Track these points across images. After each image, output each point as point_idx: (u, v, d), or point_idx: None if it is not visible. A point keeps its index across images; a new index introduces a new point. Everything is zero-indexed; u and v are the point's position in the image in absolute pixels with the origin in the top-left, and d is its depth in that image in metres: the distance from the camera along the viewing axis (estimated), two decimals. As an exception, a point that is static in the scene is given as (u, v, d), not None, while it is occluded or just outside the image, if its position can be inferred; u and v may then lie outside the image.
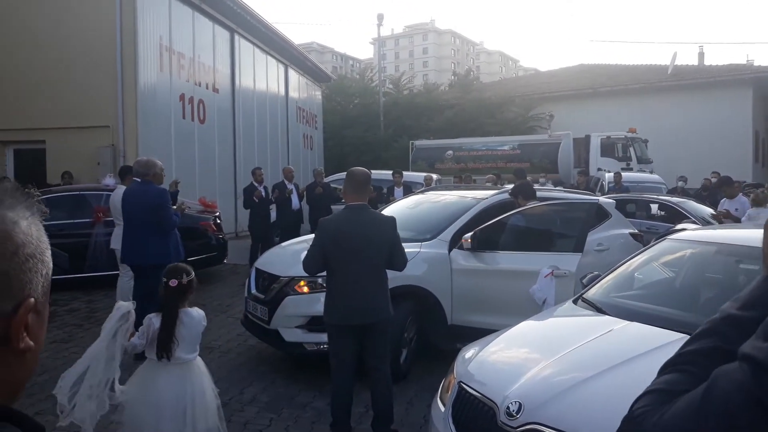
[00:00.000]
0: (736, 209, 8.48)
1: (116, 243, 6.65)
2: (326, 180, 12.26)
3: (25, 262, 0.73)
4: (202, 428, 3.27)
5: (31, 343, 0.74)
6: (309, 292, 5.16)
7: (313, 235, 4.34)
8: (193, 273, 3.52)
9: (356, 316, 3.91)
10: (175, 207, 6.15)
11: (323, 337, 4.58)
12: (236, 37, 15.90)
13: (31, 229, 0.75)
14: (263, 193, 10.24)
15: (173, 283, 3.39)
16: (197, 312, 3.49)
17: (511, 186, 6.87)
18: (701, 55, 30.72)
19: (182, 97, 13.18)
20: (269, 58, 18.34)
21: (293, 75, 20.57)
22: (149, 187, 5.82)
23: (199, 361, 3.50)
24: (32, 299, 0.73)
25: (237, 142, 15.84)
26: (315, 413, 4.61)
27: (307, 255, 4.01)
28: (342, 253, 3.90)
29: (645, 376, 2.74)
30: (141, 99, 11.60)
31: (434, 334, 5.55)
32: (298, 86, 21.38)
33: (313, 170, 13.00)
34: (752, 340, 0.81)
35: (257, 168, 10.76)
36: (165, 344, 3.26)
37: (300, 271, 4.47)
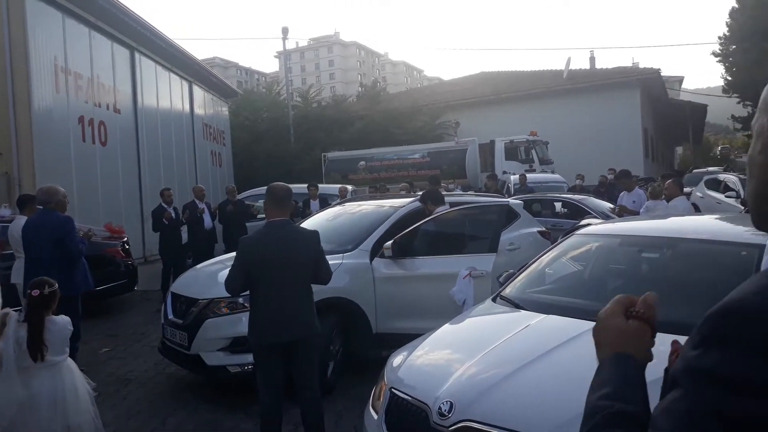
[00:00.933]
0: (634, 201, 9.04)
1: (17, 277, 6.20)
2: (239, 197, 12.02)
3: None
4: (74, 421, 3.62)
5: None
6: (230, 313, 5.03)
7: (229, 255, 4.25)
8: (56, 285, 3.83)
9: (284, 333, 3.85)
10: (81, 234, 5.83)
11: (247, 357, 4.49)
12: (137, 54, 15.32)
13: None
14: (173, 215, 9.89)
15: (35, 293, 3.69)
16: (62, 318, 3.81)
17: (424, 193, 7.01)
18: (592, 59, 32.71)
19: (81, 119, 12.53)
20: (172, 75, 17.80)
21: (198, 91, 20.05)
22: (53, 215, 5.49)
23: (69, 362, 3.83)
24: None
25: (142, 163, 15.22)
26: (244, 435, 4.50)
27: (229, 275, 3.91)
28: (266, 270, 3.83)
29: (563, 365, 2.90)
30: (36, 122, 10.92)
31: (360, 343, 5.57)
32: (204, 103, 20.86)
33: (225, 187, 12.71)
34: (678, 366, 0.74)
35: (165, 189, 10.37)
36: (36, 348, 3.56)
37: (219, 292, 4.37)
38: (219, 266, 5.62)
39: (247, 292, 3.95)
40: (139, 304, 9.79)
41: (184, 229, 10.47)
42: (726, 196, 12.88)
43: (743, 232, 3.61)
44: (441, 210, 5.88)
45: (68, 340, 3.79)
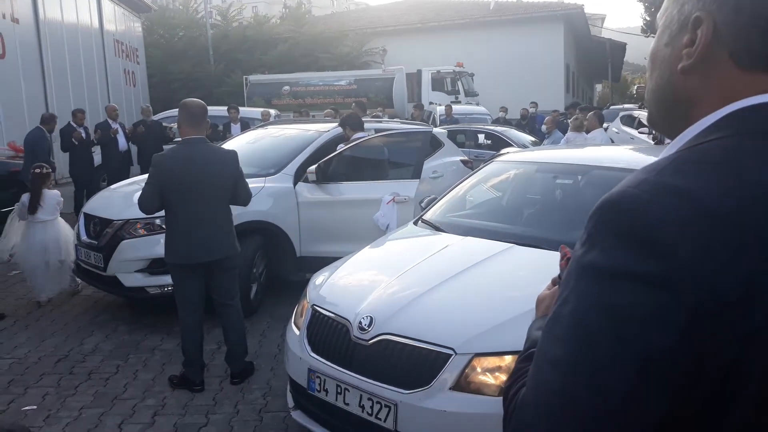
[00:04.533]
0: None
1: None
2: (155, 118, 11.49)
3: None
4: (67, 258, 5.54)
5: None
6: (147, 234, 4.91)
7: (145, 176, 4.09)
8: (51, 168, 6.00)
9: (200, 254, 3.81)
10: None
11: (167, 278, 4.43)
12: (35, -42, 13.93)
13: None
14: (83, 134, 9.35)
15: (36, 170, 5.66)
16: (52, 191, 5.66)
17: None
18: (519, -9, 32.57)
19: (-28, 26, 11.41)
20: (77, -16, 16.38)
21: (107, 4, 18.58)
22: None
23: (60, 220, 5.67)
24: None
25: (47, 80, 14.13)
26: (165, 355, 4.50)
27: (142, 194, 3.77)
28: (181, 190, 3.72)
29: (476, 284, 3.04)
30: None
31: (284, 266, 5.60)
32: (115, 17, 19.40)
33: (140, 107, 12.09)
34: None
35: (78, 110, 9.73)
36: (33, 207, 5.48)
37: (135, 213, 4.25)
38: (134, 187, 5.41)
39: (163, 212, 3.85)
40: (49, 228, 9.35)
41: (98, 151, 9.97)
42: (639, 132, 13.58)
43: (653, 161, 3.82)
44: (360, 136, 5.85)
45: (56, 207, 5.62)
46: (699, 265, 0.62)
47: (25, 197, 5.59)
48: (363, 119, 6.44)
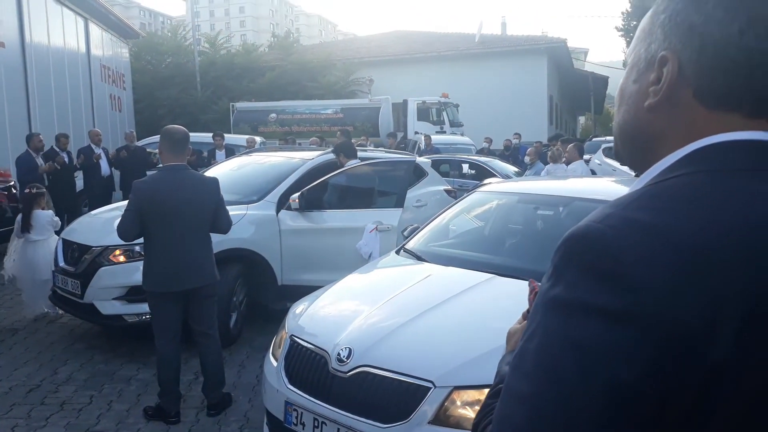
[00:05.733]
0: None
1: None
2: (139, 143, 11.44)
3: None
4: (42, 277, 5.61)
5: None
6: (126, 261, 4.85)
7: (126, 202, 4.05)
8: (43, 188, 6.20)
9: (178, 282, 3.75)
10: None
11: (145, 307, 4.35)
12: (23, -16, 13.96)
13: None
14: (65, 159, 9.28)
15: (26, 191, 5.97)
16: (45, 212, 5.85)
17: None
18: (504, 24, 33.29)
19: (-43, 49, 11.37)
20: (65, 9, 16.40)
21: (95, 30, 18.64)
22: None
23: (53, 240, 5.70)
24: None
25: (31, 103, 14.06)
26: (141, 385, 4.40)
27: (121, 220, 3.73)
28: (160, 216, 3.69)
29: (457, 315, 3.02)
30: None
31: (265, 295, 5.54)
32: (102, 42, 19.45)
33: (125, 133, 12.04)
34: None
35: (62, 135, 9.68)
36: (24, 226, 5.71)
37: (114, 239, 4.18)
38: (115, 213, 5.35)
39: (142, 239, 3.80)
40: (27, 253, 9.20)
41: (80, 176, 9.89)
42: (621, 164, 13.73)
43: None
44: (352, 164, 5.87)
45: (48, 227, 5.79)
46: (664, 300, 0.62)
47: (19, 217, 5.85)
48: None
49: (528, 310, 1.06)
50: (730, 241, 0.64)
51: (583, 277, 0.66)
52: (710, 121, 0.74)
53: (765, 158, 0.72)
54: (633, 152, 0.85)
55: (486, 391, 2.56)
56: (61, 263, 5.22)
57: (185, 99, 24.60)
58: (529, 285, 1.09)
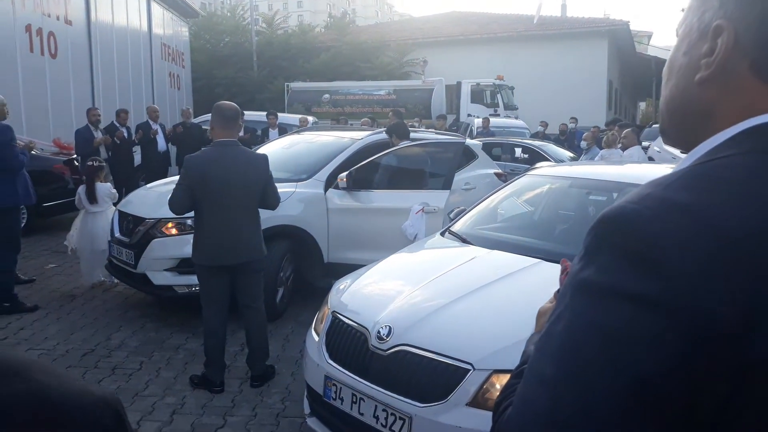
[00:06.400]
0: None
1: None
2: (196, 120, 11.70)
3: None
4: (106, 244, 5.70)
5: None
6: (177, 234, 4.97)
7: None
8: (105, 163, 6.62)
9: (227, 256, 3.82)
10: (22, 146, 5.60)
11: (194, 278, 4.46)
12: (89, -36, 14.40)
13: None
14: (125, 134, 9.57)
15: (90, 163, 6.30)
16: (104, 184, 6.14)
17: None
18: (564, 6, 32.37)
19: (29, 28, 11.81)
20: (129, -12, 16.87)
21: (157, 9, 19.09)
22: (-11, 123, 5.25)
23: (110, 211, 5.90)
24: None
25: (95, 80, 14.56)
26: (188, 354, 4.53)
27: (172, 194, 3.81)
28: (210, 191, 3.75)
29: (499, 298, 2.97)
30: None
31: (311, 272, 5.60)
32: (163, 21, 19.91)
33: (181, 110, 12.33)
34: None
35: (121, 110, 9.99)
36: (90, 196, 5.98)
37: (167, 212, 4.28)
38: (170, 186, 5.42)
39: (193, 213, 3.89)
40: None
41: (138, 151, 10.19)
42: (681, 152, 13.22)
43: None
44: (404, 144, 5.84)
45: (106, 199, 6.04)
46: (700, 290, 0.58)
47: (81, 189, 6.10)
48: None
49: (559, 290, 1.03)
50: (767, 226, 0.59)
51: (614, 261, 0.62)
52: (766, 97, 0.69)
53: None
54: (681, 130, 0.80)
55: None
56: (117, 234, 5.40)
57: (242, 78, 24.98)
58: (561, 264, 1.04)
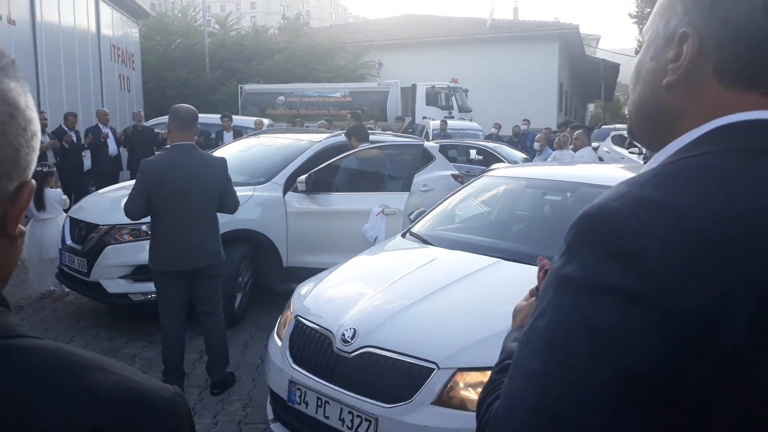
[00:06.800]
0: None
1: None
2: (148, 123, 11.45)
3: (31, 140, 0.63)
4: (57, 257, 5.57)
5: (24, 228, 0.66)
6: (132, 240, 4.86)
7: (133, 181, 4.06)
8: (54, 168, 6.36)
9: (185, 261, 3.76)
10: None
11: (151, 286, 4.37)
12: (33, -38, 13.91)
13: (32, 107, 0.65)
14: (74, 138, 9.30)
15: (38, 168, 5.46)
16: (53, 190, 5.93)
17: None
18: (516, 10, 32.92)
19: (-34, 27, 11.37)
20: (75, -12, 16.37)
21: (105, 9, 18.59)
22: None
23: (61, 219, 5.75)
24: (33, 181, 0.65)
25: (41, 83, 14.05)
26: (145, 363, 4.43)
27: (128, 199, 3.73)
28: (167, 195, 3.68)
29: (461, 298, 3.01)
30: None
31: (270, 276, 5.55)
32: (112, 22, 19.39)
33: (132, 113, 12.05)
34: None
35: (70, 113, 9.70)
36: (39, 203, 5.69)
37: (121, 218, 4.19)
38: (122, 192, 5.36)
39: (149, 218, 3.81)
40: (35, 231, 9.26)
41: (88, 155, 9.92)
42: (630, 152, 13.66)
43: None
44: (363, 147, 5.85)
45: (56, 206, 5.87)
46: (679, 284, 0.60)
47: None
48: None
49: (537, 288, 1.05)
50: (745, 227, 0.63)
51: (596, 256, 0.65)
52: (729, 100, 0.73)
53: None
54: (649, 131, 0.84)
55: (490, 373, 2.57)
56: (68, 241, 5.25)
57: (194, 80, 24.54)
58: (539, 262, 1.07)
